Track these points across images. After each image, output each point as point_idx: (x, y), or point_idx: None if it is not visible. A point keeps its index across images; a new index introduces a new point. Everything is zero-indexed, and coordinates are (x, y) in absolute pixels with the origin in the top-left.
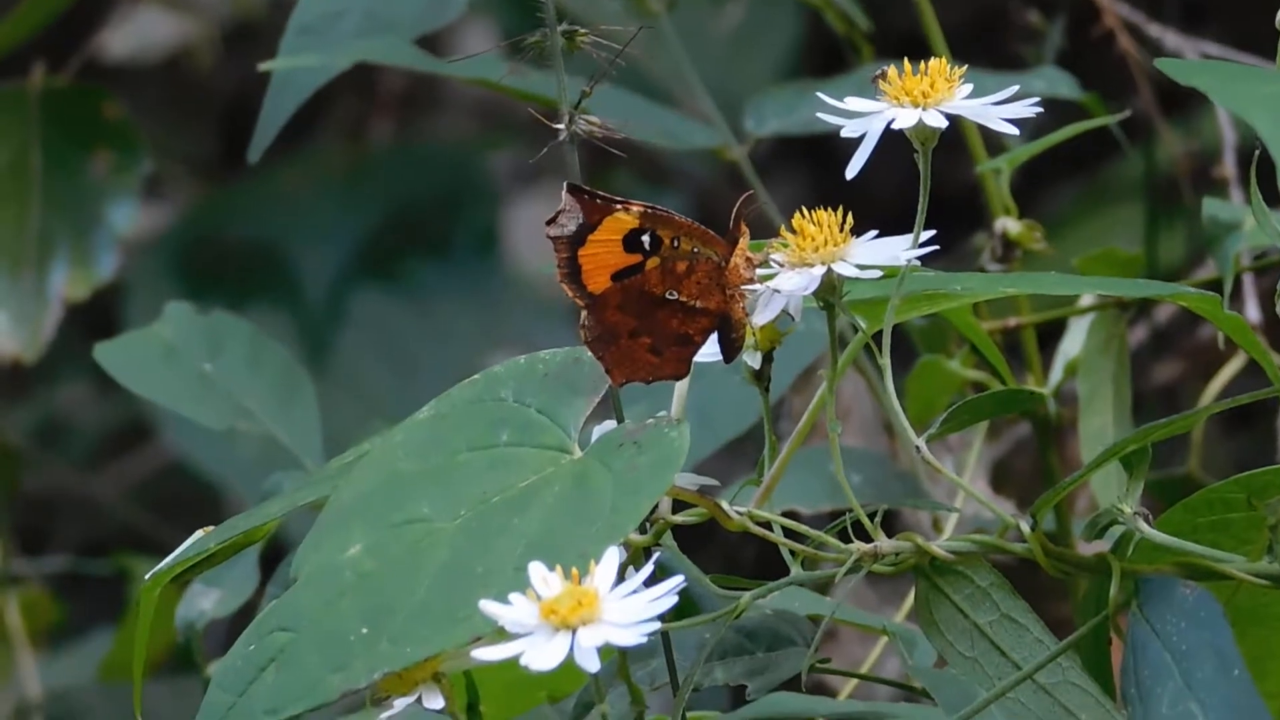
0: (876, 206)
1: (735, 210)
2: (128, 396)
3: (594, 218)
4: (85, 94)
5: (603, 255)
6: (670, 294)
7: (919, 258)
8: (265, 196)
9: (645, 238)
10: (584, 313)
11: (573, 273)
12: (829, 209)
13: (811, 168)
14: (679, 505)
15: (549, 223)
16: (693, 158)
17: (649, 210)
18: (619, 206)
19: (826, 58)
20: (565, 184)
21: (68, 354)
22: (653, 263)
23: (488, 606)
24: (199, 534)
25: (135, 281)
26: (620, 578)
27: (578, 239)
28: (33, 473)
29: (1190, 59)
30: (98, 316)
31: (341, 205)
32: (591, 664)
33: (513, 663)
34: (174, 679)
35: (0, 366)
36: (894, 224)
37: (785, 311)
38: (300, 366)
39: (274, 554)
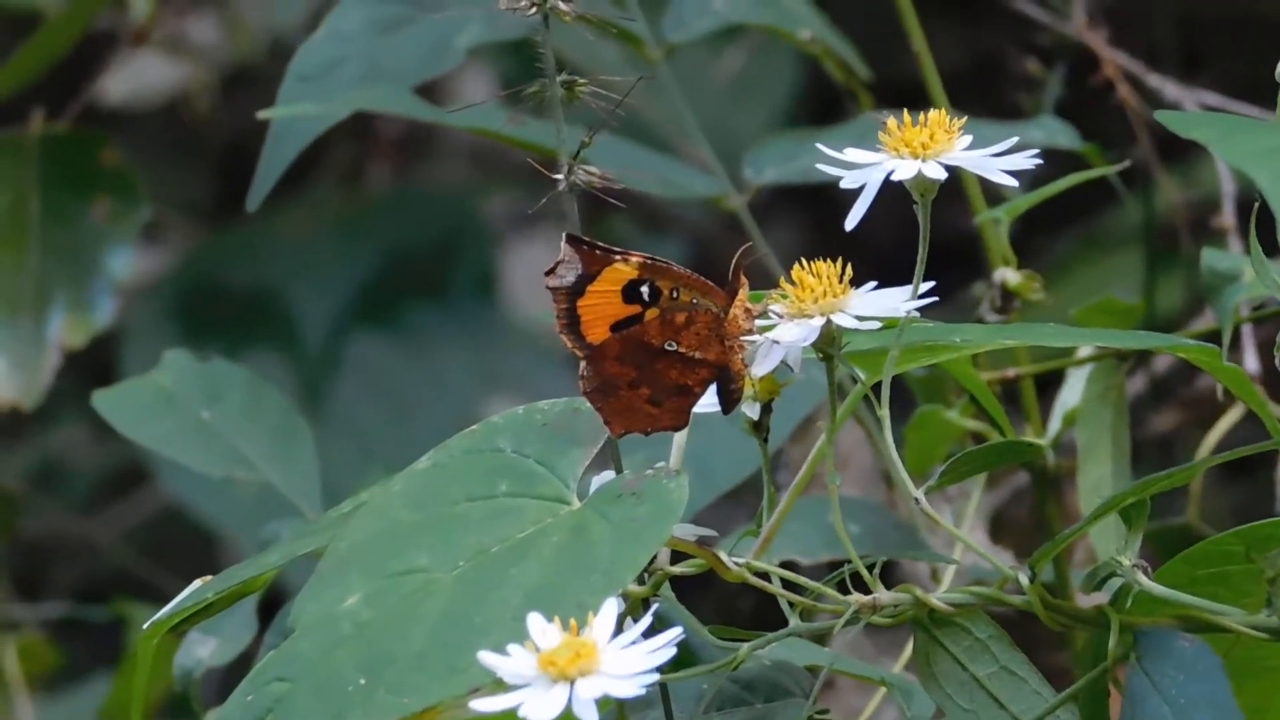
0: (874, 253)
1: (734, 261)
2: (125, 441)
3: (593, 268)
4: (84, 140)
5: (601, 306)
6: (669, 345)
7: (919, 310)
8: (263, 242)
9: (644, 289)
10: (583, 364)
11: (571, 323)
12: (827, 258)
13: (809, 215)
14: (677, 556)
15: (548, 273)
16: (690, 205)
17: (648, 261)
18: (618, 257)
19: (825, 105)
20: (564, 235)
21: (65, 399)
22: (652, 314)
23: (486, 657)
24: (197, 583)
25: (132, 327)
26: (618, 629)
27: (577, 290)
28: (30, 517)
29: (1189, 109)
30: (95, 361)
31: (339, 250)
32: (590, 715)
33: (511, 714)
34: None
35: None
36: (891, 271)
37: (784, 363)
38: (299, 414)
39: (272, 603)
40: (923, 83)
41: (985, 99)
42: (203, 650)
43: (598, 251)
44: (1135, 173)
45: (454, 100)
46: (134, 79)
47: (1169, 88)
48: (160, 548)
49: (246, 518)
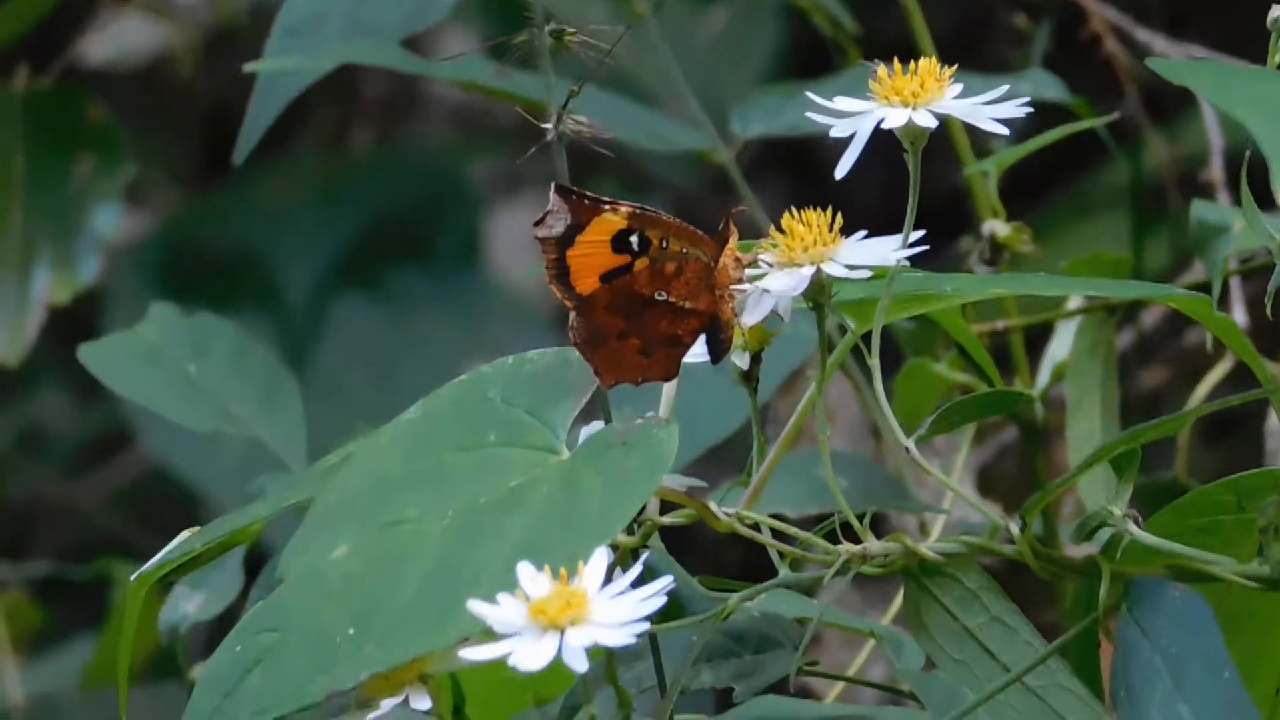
0: (858, 213)
1: (726, 211)
2: (108, 403)
3: (582, 219)
4: (68, 97)
5: (591, 256)
6: (659, 295)
7: (908, 259)
8: (246, 204)
9: (634, 238)
10: (572, 314)
11: (561, 274)
12: (820, 209)
13: (792, 175)
14: (667, 506)
15: (537, 224)
16: (675, 164)
17: (637, 210)
18: (607, 207)
19: (812, 61)
20: (553, 185)
21: (48, 363)
22: (641, 263)
23: (475, 607)
24: (185, 534)
25: (115, 288)
26: (608, 579)
27: (566, 240)
28: (13, 479)
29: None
30: (77, 324)
31: (322, 213)
32: (580, 664)
33: (499, 665)
34: (156, 684)
35: None
36: (876, 230)
37: (774, 312)
38: (285, 369)
39: (258, 559)
40: (911, 37)
41: (973, 54)
42: (189, 605)
43: (586, 202)
44: (1123, 129)
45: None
46: (116, 39)
47: (1157, 43)
48: (144, 510)
49: (231, 480)
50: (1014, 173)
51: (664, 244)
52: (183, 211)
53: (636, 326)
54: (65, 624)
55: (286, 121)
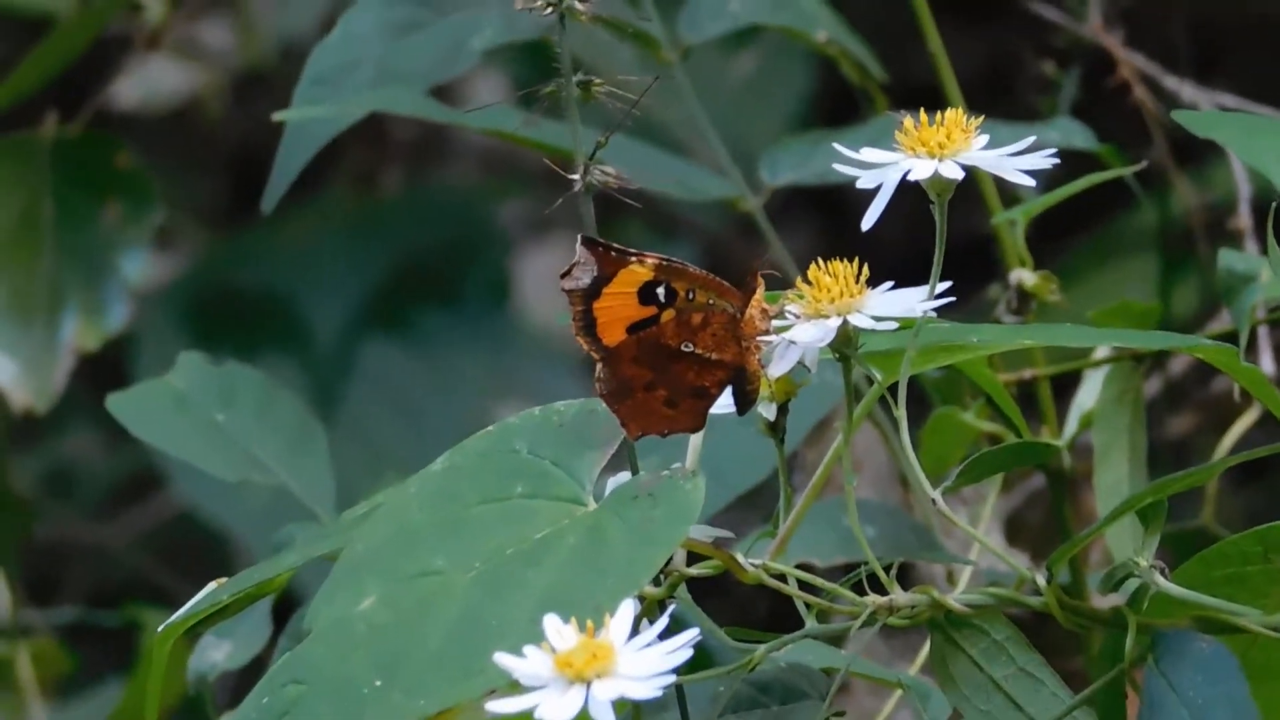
0: (886, 257)
1: (755, 262)
2: (137, 446)
3: (608, 270)
4: (97, 143)
5: (617, 308)
6: (685, 346)
7: (935, 310)
8: (275, 245)
9: (660, 290)
10: (599, 366)
11: (587, 326)
12: (841, 260)
13: (820, 218)
14: (693, 558)
15: (563, 276)
16: (703, 209)
17: (664, 262)
18: (633, 259)
19: (839, 107)
20: (580, 237)
21: (77, 405)
22: (668, 315)
23: (502, 659)
24: (212, 585)
25: (144, 331)
26: (635, 630)
27: (592, 292)
28: (42, 523)
29: (1206, 111)
30: (106, 366)
31: (351, 254)
32: (606, 717)
33: (527, 715)
34: None
35: (12, 416)
36: (904, 274)
37: (801, 363)
38: (312, 416)
39: (286, 607)
40: (938, 84)
41: (1001, 101)
42: (217, 654)
43: (613, 253)
44: (1150, 175)
45: (467, 104)
46: (146, 83)
47: (1186, 89)
48: (173, 553)
49: (259, 522)
50: (1041, 217)
51: (690, 295)
52: (211, 253)
53: (663, 378)
54: (93, 667)
55: (316, 164)
